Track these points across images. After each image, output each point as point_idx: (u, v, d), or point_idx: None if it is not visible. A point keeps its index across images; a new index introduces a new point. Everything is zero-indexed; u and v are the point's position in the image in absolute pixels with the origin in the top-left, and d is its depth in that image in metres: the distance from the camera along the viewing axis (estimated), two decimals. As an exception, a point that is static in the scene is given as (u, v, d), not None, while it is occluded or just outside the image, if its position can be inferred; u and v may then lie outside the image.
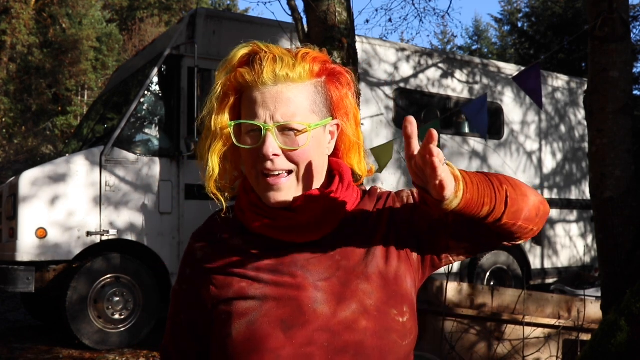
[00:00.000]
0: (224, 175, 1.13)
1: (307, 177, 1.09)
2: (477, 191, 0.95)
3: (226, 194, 1.14)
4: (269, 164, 1.05)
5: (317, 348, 1.01)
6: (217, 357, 1.07)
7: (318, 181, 1.12)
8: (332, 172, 1.15)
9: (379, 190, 1.20)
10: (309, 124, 1.06)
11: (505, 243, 1.08)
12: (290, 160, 1.06)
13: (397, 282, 1.10)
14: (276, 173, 1.06)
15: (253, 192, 1.11)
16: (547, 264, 8.28)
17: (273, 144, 1.04)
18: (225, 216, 1.14)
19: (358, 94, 1.18)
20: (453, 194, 0.92)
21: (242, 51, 1.09)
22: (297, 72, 1.06)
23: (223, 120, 1.09)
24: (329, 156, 1.16)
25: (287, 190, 1.08)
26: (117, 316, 5.67)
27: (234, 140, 1.08)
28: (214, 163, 1.10)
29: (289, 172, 1.07)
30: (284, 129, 1.05)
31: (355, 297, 1.05)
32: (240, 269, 1.08)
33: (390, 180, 7.01)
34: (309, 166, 1.08)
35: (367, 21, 29.36)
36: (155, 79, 6.08)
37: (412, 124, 0.87)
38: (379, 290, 1.07)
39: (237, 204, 1.15)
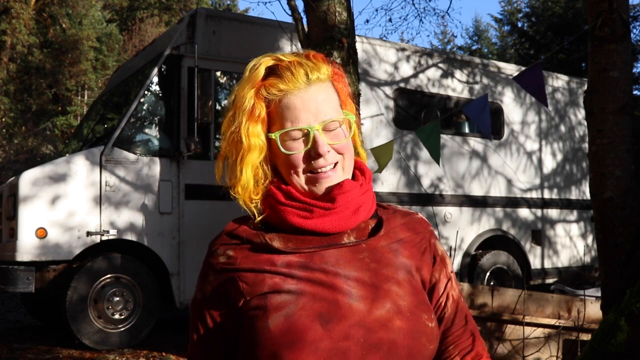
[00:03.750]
0: (256, 186, 1.16)
1: (348, 166, 1.16)
2: None
3: (258, 204, 1.16)
4: (321, 161, 1.11)
5: (353, 343, 1.03)
6: (250, 352, 1.06)
7: (351, 171, 1.19)
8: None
9: (415, 214, 1.26)
10: (347, 113, 1.16)
11: None
12: (338, 152, 1.13)
13: (423, 293, 1.16)
14: (327, 168, 1.12)
15: (286, 185, 1.15)
16: (547, 264, 8.28)
17: (324, 142, 1.11)
18: (254, 225, 1.15)
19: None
20: None
21: (264, 65, 1.13)
22: (324, 73, 1.14)
23: (256, 131, 1.12)
24: None
25: (338, 179, 1.14)
26: (117, 316, 5.67)
27: (281, 149, 1.11)
28: (248, 176, 1.13)
29: (335, 164, 1.14)
30: (326, 127, 1.12)
31: (389, 297, 1.08)
32: (270, 266, 1.09)
33: (390, 180, 7.00)
34: (350, 155, 1.16)
35: (367, 21, 29.40)
36: (155, 79, 6.08)
37: None
38: (409, 295, 1.11)
39: (266, 203, 1.16)
